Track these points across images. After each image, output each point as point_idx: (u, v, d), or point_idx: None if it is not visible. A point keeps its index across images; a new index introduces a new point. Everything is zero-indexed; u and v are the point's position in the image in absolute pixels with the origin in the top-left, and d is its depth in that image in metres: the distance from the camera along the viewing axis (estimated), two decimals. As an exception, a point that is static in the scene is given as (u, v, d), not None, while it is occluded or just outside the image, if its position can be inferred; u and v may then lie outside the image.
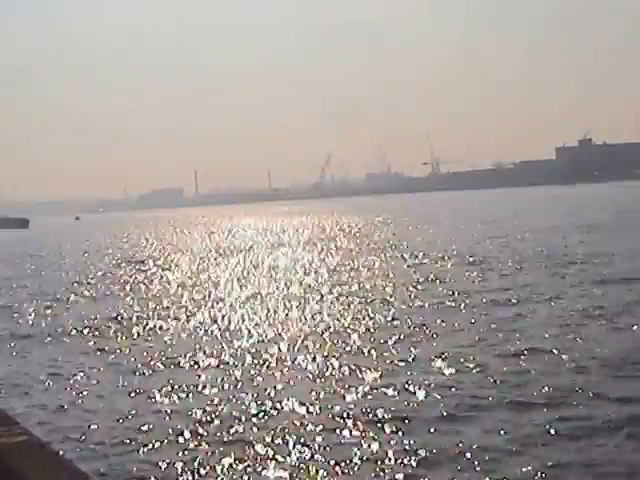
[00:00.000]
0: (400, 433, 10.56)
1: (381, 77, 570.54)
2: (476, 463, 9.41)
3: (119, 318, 22.45)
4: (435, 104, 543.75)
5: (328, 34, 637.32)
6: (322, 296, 24.60)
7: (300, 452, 10.05)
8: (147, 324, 21.05)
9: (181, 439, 10.83)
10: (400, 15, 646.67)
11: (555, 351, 14.73)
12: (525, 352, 14.84)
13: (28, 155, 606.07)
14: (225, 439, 10.74)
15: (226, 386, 13.62)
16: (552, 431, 10.29)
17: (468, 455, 9.63)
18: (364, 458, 9.71)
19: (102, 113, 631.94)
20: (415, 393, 12.41)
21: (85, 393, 13.80)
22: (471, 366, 14.01)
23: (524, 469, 9.17)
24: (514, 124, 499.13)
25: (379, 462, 9.56)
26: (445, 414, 11.33)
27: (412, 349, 15.69)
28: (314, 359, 15.24)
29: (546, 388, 12.28)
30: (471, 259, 33.40)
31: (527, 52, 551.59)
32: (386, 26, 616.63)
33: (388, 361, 14.74)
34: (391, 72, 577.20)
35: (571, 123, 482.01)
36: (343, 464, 9.55)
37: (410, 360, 14.75)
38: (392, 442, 10.23)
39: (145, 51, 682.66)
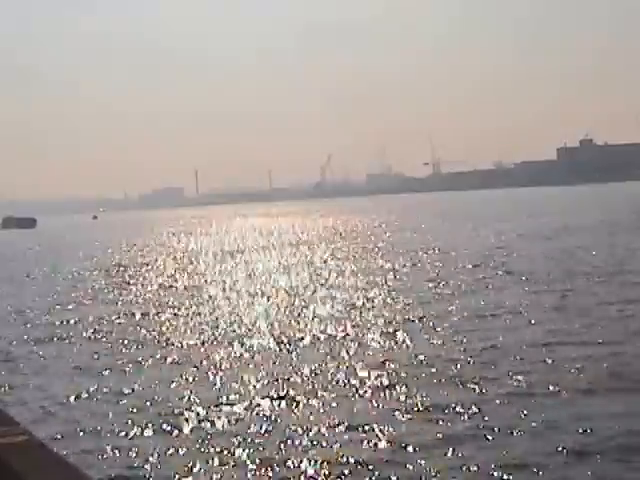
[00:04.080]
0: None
1: (381, 76, 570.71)
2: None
3: (120, 318, 22.49)
4: (436, 104, 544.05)
5: (329, 31, 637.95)
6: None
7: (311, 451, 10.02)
8: (149, 323, 21.07)
9: (182, 439, 10.80)
10: (400, 14, 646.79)
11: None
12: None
13: (28, 155, 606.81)
14: (226, 439, 10.71)
15: (227, 387, 13.59)
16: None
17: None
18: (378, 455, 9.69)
19: (102, 113, 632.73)
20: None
21: (87, 392, 13.77)
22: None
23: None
24: (515, 124, 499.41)
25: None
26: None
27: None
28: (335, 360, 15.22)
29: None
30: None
31: (527, 52, 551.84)
32: (387, 24, 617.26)
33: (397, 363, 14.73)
34: (391, 71, 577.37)
35: (572, 123, 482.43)
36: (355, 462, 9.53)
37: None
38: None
39: (146, 50, 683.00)
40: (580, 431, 10.28)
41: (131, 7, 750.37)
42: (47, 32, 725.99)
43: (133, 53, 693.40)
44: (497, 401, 11.81)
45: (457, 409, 11.44)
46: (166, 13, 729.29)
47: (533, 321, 18.07)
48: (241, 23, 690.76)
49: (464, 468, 9.30)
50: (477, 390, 12.46)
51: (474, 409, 11.39)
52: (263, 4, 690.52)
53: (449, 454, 9.70)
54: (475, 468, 9.26)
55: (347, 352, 15.74)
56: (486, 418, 11.01)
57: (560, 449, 9.67)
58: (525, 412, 11.19)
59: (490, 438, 10.21)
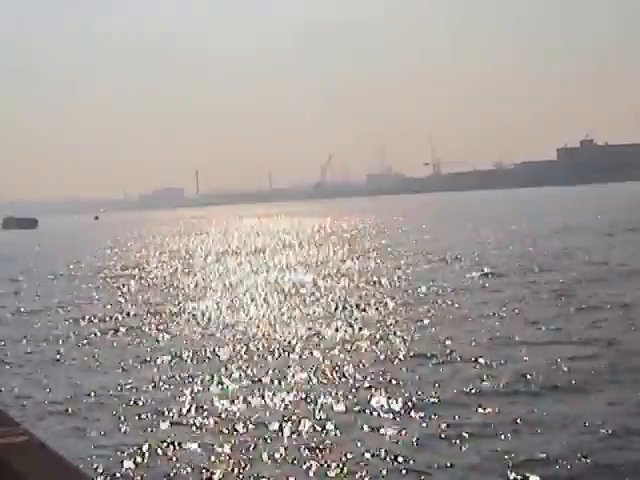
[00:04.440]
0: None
1: (381, 76, 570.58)
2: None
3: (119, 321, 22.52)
4: (436, 105, 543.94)
5: (329, 31, 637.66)
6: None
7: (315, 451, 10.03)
8: (150, 323, 21.08)
9: (183, 440, 10.80)
10: (400, 14, 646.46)
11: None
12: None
13: (28, 155, 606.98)
14: (226, 442, 10.70)
15: (225, 390, 13.59)
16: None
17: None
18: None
19: (102, 113, 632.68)
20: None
21: (87, 392, 13.77)
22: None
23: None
24: (515, 125, 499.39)
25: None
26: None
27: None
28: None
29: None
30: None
31: (527, 52, 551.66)
32: (387, 24, 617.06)
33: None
34: (391, 71, 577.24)
35: (572, 124, 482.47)
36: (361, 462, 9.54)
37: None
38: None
39: (146, 50, 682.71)
40: (576, 430, 10.30)
41: (131, 7, 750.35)
42: (47, 32, 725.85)
43: (133, 53, 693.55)
44: (496, 400, 11.82)
45: (459, 407, 11.47)
46: (166, 13, 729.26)
47: (532, 321, 18.09)
48: (241, 23, 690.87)
49: (465, 466, 9.31)
50: (477, 388, 12.48)
51: (474, 407, 11.42)
52: (263, 4, 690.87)
53: (452, 452, 9.71)
54: (475, 465, 9.28)
55: (346, 350, 15.74)
56: (485, 416, 11.02)
57: (557, 447, 9.69)
58: (524, 410, 11.20)
59: (487, 436, 10.22)
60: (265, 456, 9.96)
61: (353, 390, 12.82)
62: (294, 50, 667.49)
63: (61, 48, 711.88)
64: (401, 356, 15.09)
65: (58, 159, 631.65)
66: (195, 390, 13.43)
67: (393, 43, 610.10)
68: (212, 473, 9.58)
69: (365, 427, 10.90)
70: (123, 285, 32.43)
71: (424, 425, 10.89)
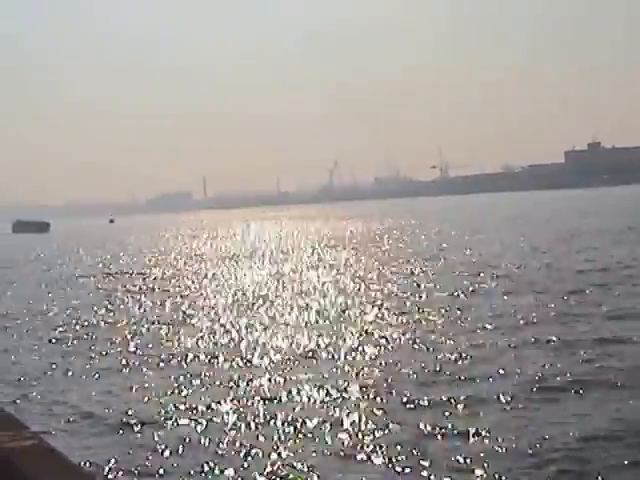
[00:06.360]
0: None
1: (388, 78, 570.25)
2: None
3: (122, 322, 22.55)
4: (443, 107, 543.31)
5: (332, 32, 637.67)
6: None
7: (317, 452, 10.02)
8: (165, 328, 21.10)
9: (188, 442, 10.80)
10: (404, 15, 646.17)
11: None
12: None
13: (31, 159, 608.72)
14: (226, 444, 10.70)
15: (226, 392, 13.59)
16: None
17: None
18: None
19: (107, 114, 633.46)
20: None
21: (95, 397, 13.79)
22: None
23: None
24: (523, 127, 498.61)
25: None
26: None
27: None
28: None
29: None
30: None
31: (536, 53, 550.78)
32: (391, 26, 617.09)
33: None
34: (397, 74, 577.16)
35: (580, 126, 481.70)
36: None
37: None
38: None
39: (150, 51, 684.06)
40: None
41: (133, 8, 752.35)
42: (50, 32, 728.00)
43: (139, 53, 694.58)
44: (496, 400, 11.81)
45: (461, 407, 11.47)
46: (167, 14, 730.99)
47: (534, 324, 18.08)
48: (245, 25, 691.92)
49: (465, 465, 9.31)
50: (479, 389, 12.47)
51: (474, 407, 11.42)
52: (264, 5, 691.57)
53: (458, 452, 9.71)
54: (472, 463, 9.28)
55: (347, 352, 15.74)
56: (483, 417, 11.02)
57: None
58: (525, 410, 11.19)
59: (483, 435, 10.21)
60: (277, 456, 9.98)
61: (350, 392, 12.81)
62: (298, 51, 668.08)
63: (62, 48, 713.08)
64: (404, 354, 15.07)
65: (63, 162, 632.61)
66: (201, 392, 13.42)
67: (397, 44, 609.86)
68: (214, 476, 9.60)
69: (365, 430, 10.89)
70: (136, 290, 32.47)
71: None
